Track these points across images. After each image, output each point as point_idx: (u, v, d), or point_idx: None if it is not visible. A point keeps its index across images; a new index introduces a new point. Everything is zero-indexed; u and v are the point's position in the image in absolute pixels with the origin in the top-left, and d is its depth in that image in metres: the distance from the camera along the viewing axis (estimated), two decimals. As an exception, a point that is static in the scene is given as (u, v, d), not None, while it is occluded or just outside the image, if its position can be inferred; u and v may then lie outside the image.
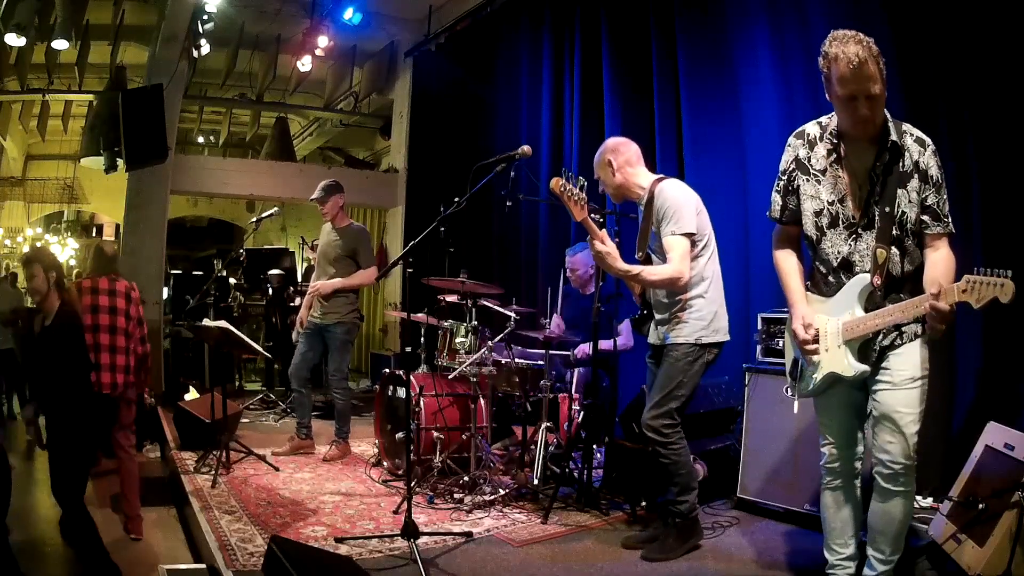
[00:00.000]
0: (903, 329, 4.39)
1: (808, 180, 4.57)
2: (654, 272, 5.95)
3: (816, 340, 4.55)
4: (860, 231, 4.43)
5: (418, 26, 15.46)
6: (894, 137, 4.26)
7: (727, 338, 6.12)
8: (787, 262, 4.82)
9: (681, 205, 5.94)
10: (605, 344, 7.77)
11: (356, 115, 18.98)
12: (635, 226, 6.40)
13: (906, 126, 4.36)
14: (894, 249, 4.36)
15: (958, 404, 6.47)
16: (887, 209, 4.29)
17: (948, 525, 5.15)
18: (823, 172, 4.50)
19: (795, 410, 4.99)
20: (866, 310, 4.38)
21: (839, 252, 4.50)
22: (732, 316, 6.17)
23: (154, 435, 10.31)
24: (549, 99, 11.70)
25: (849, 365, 4.41)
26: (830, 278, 4.60)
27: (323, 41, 14.69)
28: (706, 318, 5.97)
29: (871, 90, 4.08)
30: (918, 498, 6.22)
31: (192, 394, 11.50)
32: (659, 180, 6.19)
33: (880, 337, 4.43)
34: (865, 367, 4.40)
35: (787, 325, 4.89)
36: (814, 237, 4.60)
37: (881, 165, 4.31)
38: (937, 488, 6.17)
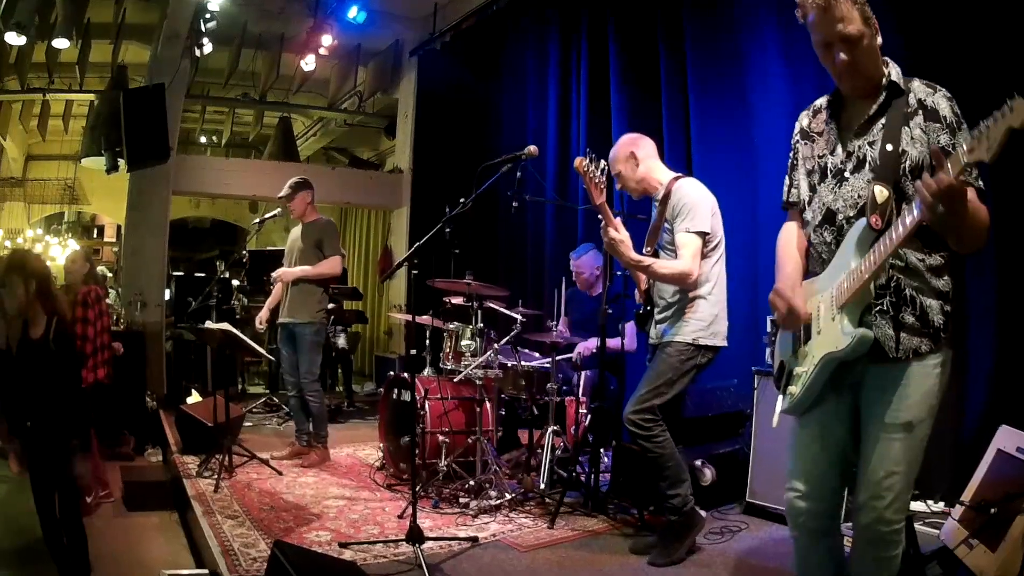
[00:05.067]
0: (902, 340, 3.66)
1: (806, 144, 4.11)
2: (665, 266, 5.96)
3: (794, 314, 3.85)
4: (847, 175, 3.83)
5: (423, 24, 15.45)
6: (894, 78, 3.77)
7: (724, 344, 6.12)
8: (784, 245, 4.19)
9: (697, 203, 5.97)
10: (613, 343, 7.79)
11: (360, 115, 18.96)
12: (641, 227, 6.41)
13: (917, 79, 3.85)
14: (895, 197, 3.66)
15: (969, 406, 6.46)
16: (888, 147, 3.70)
17: (959, 530, 5.14)
18: (820, 133, 4.07)
19: (774, 423, 4.12)
20: None
21: (822, 204, 3.91)
22: (740, 318, 6.19)
23: (156, 439, 10.34)
24: (556, 98, 11.73)
25: (843, 334, 3.63)
26: (814, 245, 3.98)
27: (327, 40, 14.65)
28: (705, 319, 5.99)
29: (845, 31, 3.65)
30: (928, 502, 6.22)
31: (194, 397, 11.51)
32: (678, 177, 6.24)
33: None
34: (865, 331, 3.60)
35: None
36: (806, 199, 4.05)
37: (876, 106, 3.79)
38: (948, 492, 6.16)
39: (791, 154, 4.23)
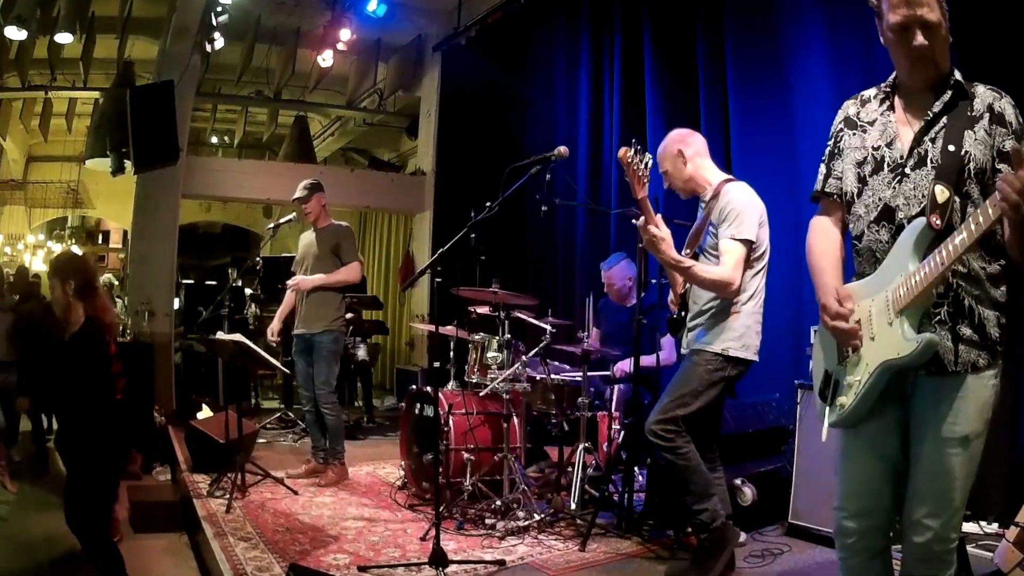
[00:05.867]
0: (960, 353, 3.65)
1: (854, 133, 4.05)
2: (706, 271, 5.91)
3: (849, 317, 3.82)
4: (907, 171, 3.79)
5: (447, 18, 15.46)
6: (958, 77, 3.78)
7: (755, 359, 6.07)
8: (820, 242, 4.16)
9: (745, 210, 5.93)
10: (647, 360, 7.76)
11: (380, 114, 19.07)
12: (680, 232, 6.36)
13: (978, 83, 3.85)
14: (957, 199, 3.65)
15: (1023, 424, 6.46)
16: (950, 148, 3.68)
17: (1013, 552, 5.13)
18: (872, 123, 4.00)
19: (823, 438, 4.03)
20: None
21: (879, 200, 3.86)
22: (782, 329, 6.17)
23: (164, 456, 10.35)
24: (587, 96, 11.75)
25: (906, 340, 3.58)
26: (865, 242, 3.92)
27: (345, 34, 14.69)
28: (738, 331, 5.95)
29: (927, 17, 3.66)
30: (981, 523, 6.23)
31: (205, 412, 11.50)
32: (729, 180, 6.21)
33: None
34: (931, 336, 3.54)
35: (818, 327, 4.15)
36: (854, 191, 3.98)
37: (941, 104, 3.78)
38: (1002, 513, 6.16)
39: (830, 142, 4.19)
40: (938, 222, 3.58)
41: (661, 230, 5.78)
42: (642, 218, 5.82)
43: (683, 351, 6.28)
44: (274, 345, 9.84)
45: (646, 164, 5.74)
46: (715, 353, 5.94)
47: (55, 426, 9.29)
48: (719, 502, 6.00)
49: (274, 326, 9.78)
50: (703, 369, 5.95)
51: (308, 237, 9.64)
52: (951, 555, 3.70)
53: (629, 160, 5.66)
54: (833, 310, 3.84)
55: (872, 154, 3.94)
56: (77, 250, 29.17)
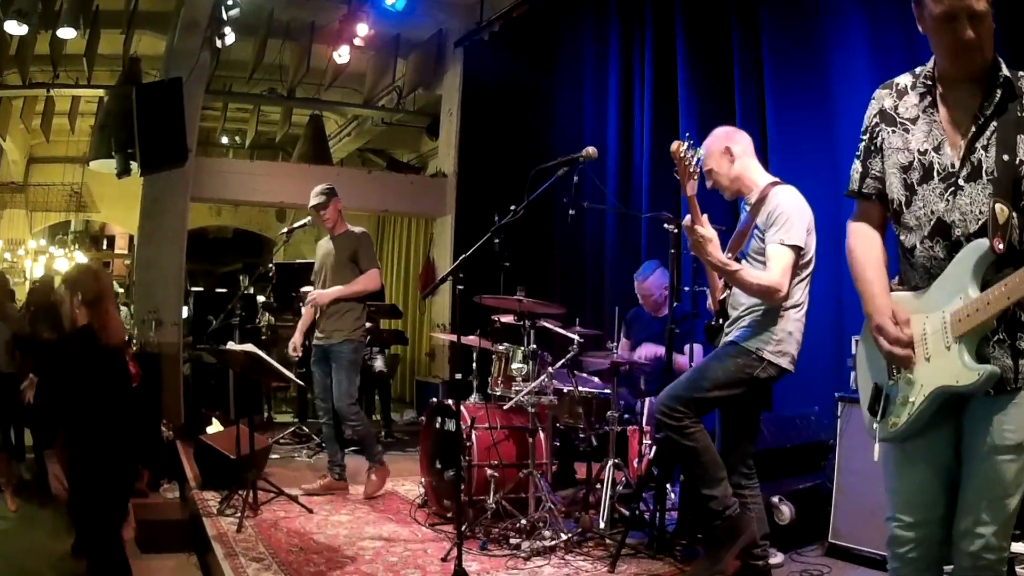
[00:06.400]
0: (1020, 369, 3.63)
1: (895, 131, 3.95)
2: (753, 275, 5.84)
3: (909, 343, 3.78)
4: (961, 183, 3.71)
5: (469, 12, 15.48)
6: (1006, 72, 3.67)
7: (790, 369, 5.99)
8: (864, 249, 4.09)
9: (795, 215, 5.88)
10: (680, 360, 7.77)
11: (399, 113, 19.02)
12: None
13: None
14: (1015, 216, 3.60)
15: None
16: (1005, 157, 3.60)
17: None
18: (914, 120, 3.90)
19: (876, 457, 4.03)
20: (985, 289, 3.59)
21: (931, 212, 3.78)
22: (822, 338, 6.12)
23: (172, 473, 10.33)
24: (617, 94, 11.78)
25: (967, 368, 3.56)
26: (919, 257, 3.87)
27: (362, 29, 14.65)
28: (776, 335, 5.89)
29: (975, 6, 3.53)
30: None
31: (215, 427, 11.53)
32: (777, 183, 6.15)
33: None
34: (993, 368, 3.53)
35: (861, 337, 4.19)
36: (902, 200, 3.90)
37: (990, 105, 3.68)
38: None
39: (865, 136, 4.12)
40: (1001, 246, 3.56)
41: (708, 230, 5.71)
42: (688, 217, 5.79)
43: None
44: (296, 358, 9.85)
45: (698, 161, 5.76)
46: (748, 350, 5.90)
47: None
48: (729, 487, 5.96)
49: (295, 340, 9.80)
50: (730, 361, 5.91)
51: (325, 246, 9.69)
52: (1002, 565, 3.69)
53: (682, 154, 5.66)
54: (892, 335, 3.80)
55: (919, 159, 3.86)
56: (82, 257, 29.28)
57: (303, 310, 9.76)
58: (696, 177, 5.75)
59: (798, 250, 5.83)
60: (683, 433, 5.84)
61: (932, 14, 3.65)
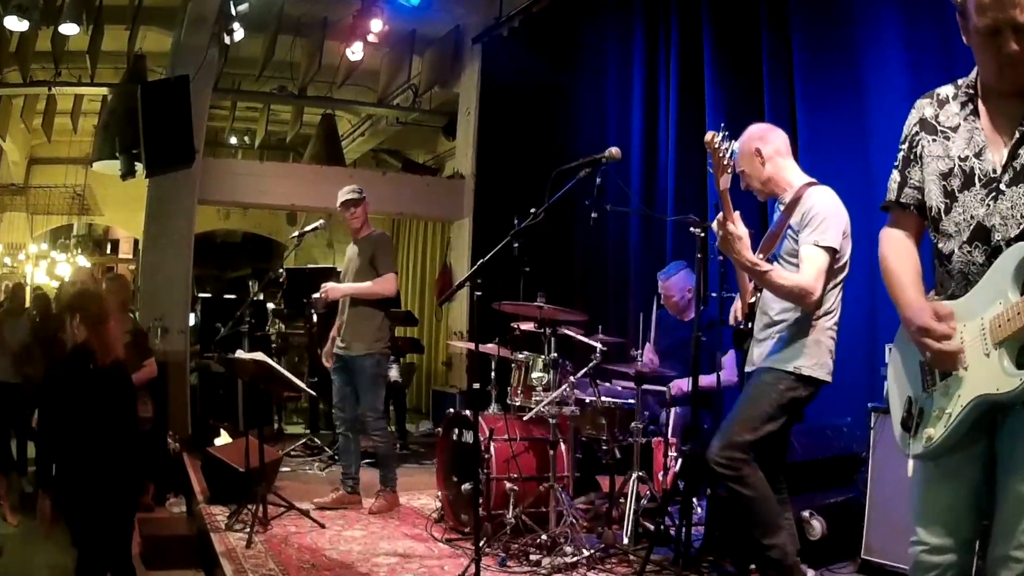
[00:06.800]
0: None
1: (935, 140, 3.96)
2: (784, 277, 5.80)
3: (953, 354, 3.70)
4: (1002, 187, 3.71)
5: (488, 7, 15.45)
6: None
7: (828, 380, 5.93)
8: (898, 255, 4.08)
9: (832, 217, 5.84)
10: (707, 380, 7.65)
11: (415, 112, 19.06)
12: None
13: None
14: None
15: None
16: None
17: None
18: (955, 129, 3.90)
19: (909, 472, 3.98)
20: None
21: (971, 217, 3.79)
22: (854, 346, 6.04)
23: (179, 486, 10.38)
24: (641, 91, 11.77)
25: (1007, 374, 3.51)
26: (957, 263, 3.86)
27: (377, 25, 14.58)
28: (810, 347, 5.84)
29: (1019, 19, 3.49)
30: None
31: (223, 438, 11.58)
32: (812, 183, 6.11)
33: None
34: None
35: (893, 346, 4.20)
36: (941, 207, 3.90)
37: None
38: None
39: (903, 146, 4.12)
40: None
41: (739, 228, 5.65)
42: (719, 214, 5.71)
43: (748, 368, 6.22)
44: (326, 365, 9.86)
45: (731, 153, 5.69)
46: (786, 372, 5.83)
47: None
48: (789, 537, 5.93)
49: (328, 350, 9.79)
50: (773, 389, 5.84)
51: (350, 251, 9.79)
52: None
53: (716, 146, 5.57)
54: (938, 331, 3.73)
55: (959, 165, 3.86)
56: (84, 261, 29.32)
57: (313, 312, 9.78)
58: (730, 171, 5.67)
59: (833, 252, 5.78)
60: (743, 482, 5.79)
61: (976, 27, 3.65)
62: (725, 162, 5.62)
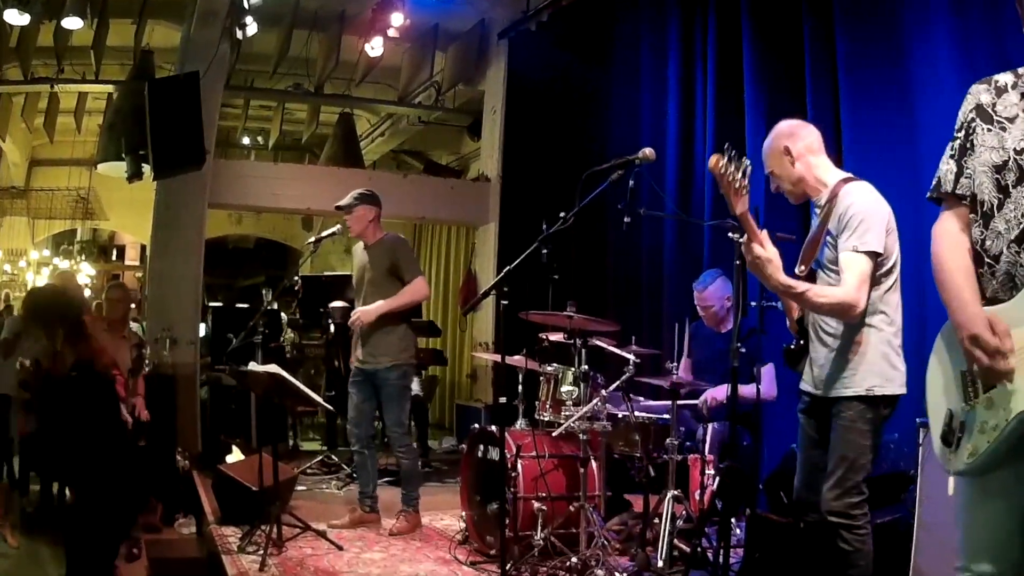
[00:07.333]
0: None
1: (990, 129, 3.88)
2: (822, 294, 5.64)
3: (1006, 364, 3.61)
4: None
5: (514, 1, 15.45)
6: None
7: (903, 391, 5.77)
8: (953, 255, 3.98)
9: (871, 216, 5.61)
10: (746, 392, 7.53)
11: (438, 110, 19.06)
12: (788, 250, 6.07)
13: None
14: None
15: None
16: None
17: None
18: (1012, 119, 3.81)
19: (950, 491, 3.99)
20: None
21: (1022, 216, 3.72)
22: (904, 357, 5.95)
23: (188, 506, 10.35)
24: (676, 90, 11.76)
25: None
26: (1003, 264, 3.80)
27: (397, 19, 14.49)
28: (877, 362, 5.66)
29: None
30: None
31: (235, 455, 11.57)
32: (848, 180, 5.89)
33: None
34: None
35: (933, 354, 4.15)
36: (994, 203, 3.83)
37: None
38: None
39: (959, 133, 4.06)
40: None
41: (767, 250, 5.48)
42: (744, 236, 5.56)
43: (807, 387, 6.01)
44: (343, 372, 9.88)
45: (743, 172, 5.46)
46: (862, 398, 5.65)
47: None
48: None
49: (353, 358, 9.75)
50: (859, 426, 5.67)
51: (360, 255, 9.70)
52: None
53: (722, 170, 5.37)
54: (992, 345, 3.62)
55: (1016, 159, 3.78)
56: (89, 268, 29.37)
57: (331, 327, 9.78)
58: (746, 193, 5.47)
59: (875, 256, 5.58)
60: (856, 532, 5.62)
61: None
62: (738, 185, 5.43)
